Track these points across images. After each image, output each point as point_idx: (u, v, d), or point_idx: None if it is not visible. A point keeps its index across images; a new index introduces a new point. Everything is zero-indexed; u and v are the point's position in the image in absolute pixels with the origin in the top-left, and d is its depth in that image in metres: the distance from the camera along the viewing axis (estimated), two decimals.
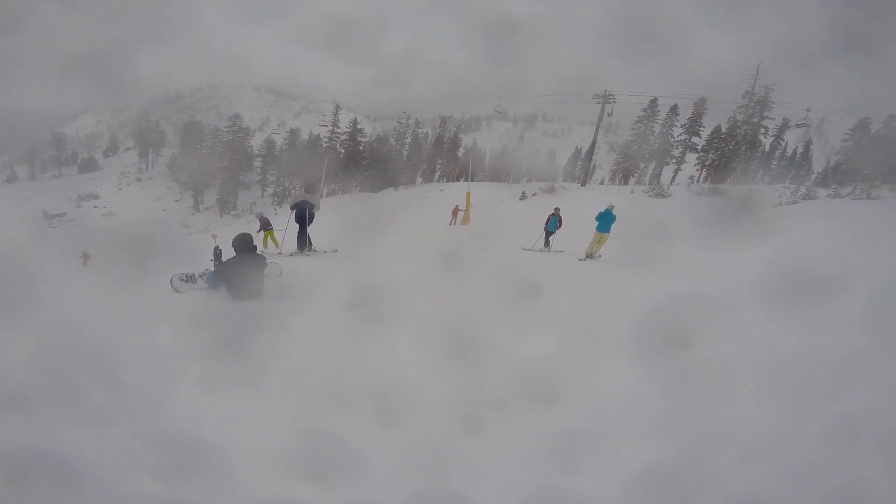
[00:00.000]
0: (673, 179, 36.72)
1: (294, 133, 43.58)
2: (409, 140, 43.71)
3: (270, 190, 41.96)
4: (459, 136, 48.46)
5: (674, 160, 37.97)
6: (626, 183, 39.11)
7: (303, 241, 8.47)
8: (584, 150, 53.72)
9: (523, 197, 32.70)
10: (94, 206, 45.19)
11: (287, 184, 41.74)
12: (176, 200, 43.17)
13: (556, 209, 13.68)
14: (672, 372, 4.31)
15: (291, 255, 8.40)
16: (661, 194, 30.51)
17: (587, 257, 11.31)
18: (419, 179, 43.58)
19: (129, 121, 65.29)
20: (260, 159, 42.92)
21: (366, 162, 40.69)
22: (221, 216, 39.86)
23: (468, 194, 22.82)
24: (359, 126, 41.58)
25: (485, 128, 63.90)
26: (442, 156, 45.71)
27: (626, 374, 4.37)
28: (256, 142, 44.10)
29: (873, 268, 7.45)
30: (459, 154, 47.37)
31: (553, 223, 13.45)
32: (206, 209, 41.36)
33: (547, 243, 13.48)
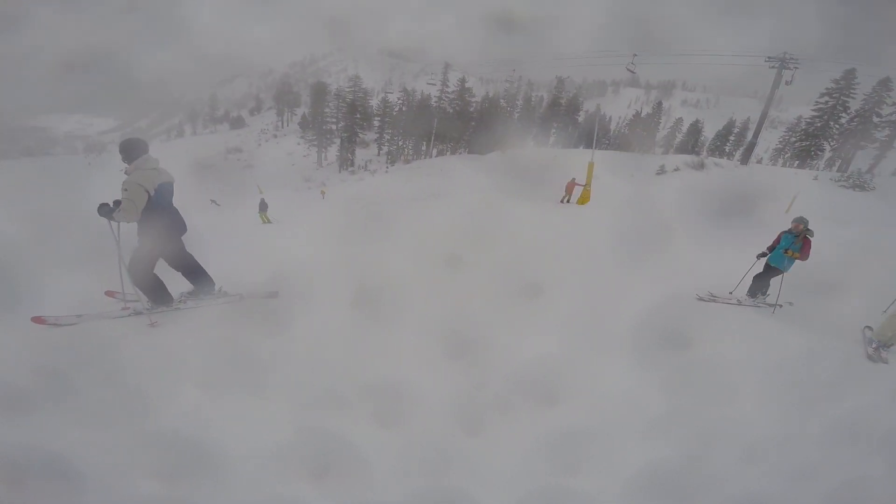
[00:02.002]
0: (872, 167, 30.00)
1: (407, 93, 44.26)
2: (519, 102, 41.82)
3: (385, 148, 43.50)
4: (580, 99, 45.17)
5: (875, 145, 30.90)
6: (802, 166, 32.98)
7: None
8: (738, 123, 46.75)
9: (661, 171, 27.69)
10: (238, 159, 50.82)
11: (401, 143, 42.87)
12: (304, 156, 46.84)
13: (799, 223, 6.22)
14: None
15: None
16: (861, 185, 23.54)
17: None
18: (531, 144, 41.77)
19: (273, 83, 72.48)
20: (377, 119, 44.53)
21: (474, 123, 39.93)
22: (339, 172, 42.44)
23: (591, 165, 18.21)
24: (467, 85, 40.75)
25: (611, 94, 58.75)
26: (557, 119, 43.17)
27: None
28: (376, 102, 45.74)
29: None
30: (579, 118, 44.35)
31: (784, 248, 6.31)
32: (327, 164, 44.34)
33: (759, 291, 6.62)
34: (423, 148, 42.01)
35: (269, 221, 14.95)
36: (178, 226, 4.34)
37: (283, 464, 3.11)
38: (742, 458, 3.60)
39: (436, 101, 41.54)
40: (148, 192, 4.02)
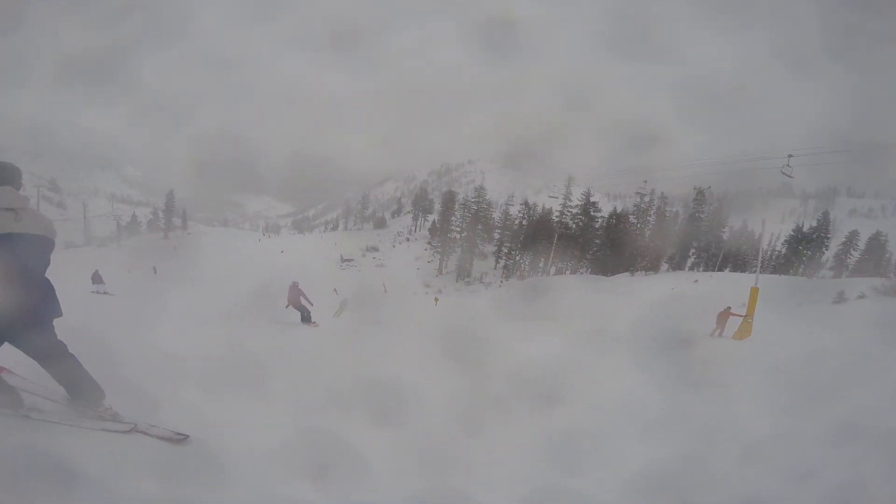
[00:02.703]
0: None
1: (528, 206, 44.44)
2: (651, 217, 38.72)
3: (503, 262, 43.44)
4: (724, 214, 40.20)
5: None
6: None
7: None
8: None
9: (840, 299, 21.93)
10: (373, 257, 55.39)
11: (518, 257, 42.46)
12: (428, 261, 49.22)
13: None
14: None
15: None
16: None
17: None
18: (664, 266, 37.75)
19: (414, 189, 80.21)
20: (497, 231, 45.23)
21: (599, 240, 37.82)
22: (456, 281, 43.23)
23: (754, 291, 15.85)
24: (592, 199, 39.30)
25: (759, 206, 51.50)
26: (699, 237, 38.73)
27: None
28: (498, 214, 46.85)
29: None
30: (724, 235, 39.26)
31: None
32: (447, 273, 45.69)
33: None
34: (541, 264, 40.88)
35: (340, 315, 15.81)
36: (33, 302, 2.89)
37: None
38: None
39: (557, 216, 40.84)
40: None
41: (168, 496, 2.69)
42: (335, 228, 78.29)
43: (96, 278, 18.62)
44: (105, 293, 17.01)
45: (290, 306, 11.70)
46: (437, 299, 30.70)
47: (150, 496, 2.66)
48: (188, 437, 3.24)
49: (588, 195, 40.80)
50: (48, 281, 3.11)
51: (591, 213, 39.85)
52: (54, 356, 3.10)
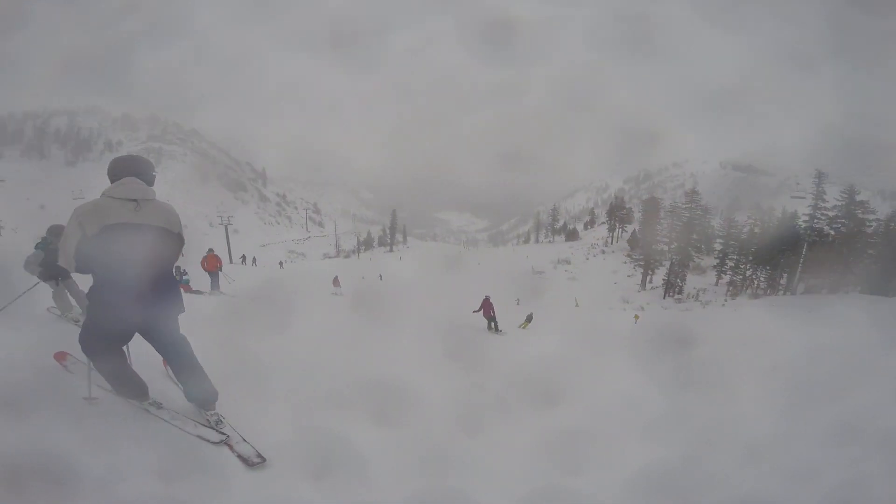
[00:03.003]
0: None
1: (761, 212, 36.58)
2: None
3: (727, 277, 36.69)
4: None
5: None
6: None
7: None
8: None
9: None
10: (565, 270, 53.66)
11: (749, 272, 35.22)
12: (628, 276, 45.13)
13: None
14: None
15: None
16: None
17: None
18: None
19: (608, 199, 75.53)
20: (720, 242, 38.59)
21: (873, 251, 28.73)
22: (663, 297, 38.27)
23: None
24: (859, 198, 30.11)
25: None
26: None
27: None
28: (718, 222, 40.15)
29: None
30: None
31: None
32: (651, 288, 40.99)
33: None
34: (783, 280, 32.98)
35: (525, 327, 16.38)
36: (148, 297, 2.86)
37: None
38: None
39: (805, 221, 32.61)
40: (84, 230, 2.71)
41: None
42: (526, 241, 78.96)
43: (336, 283, 22.98)
44: (341, 295, 20.38)
45: (482, 313, 13.53)
46: (637, 317, 27.64)
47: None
48: (265, 461, 3.11)
49: (851, 192, 31.59)
50: (172, 275, 3.14)
51: (860, 216, 30.61)
52: (179, 351, 3.11)
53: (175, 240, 3.04)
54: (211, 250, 12.75)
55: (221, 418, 3.29)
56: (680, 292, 37.77)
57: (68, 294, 4.95)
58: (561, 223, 75.86)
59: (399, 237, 71.89)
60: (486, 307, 13.61)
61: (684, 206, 39.83)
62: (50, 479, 2.54)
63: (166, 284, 3.06)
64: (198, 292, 11.17)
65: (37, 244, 4.92)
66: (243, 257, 43.84)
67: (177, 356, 3.14)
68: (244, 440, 3.20)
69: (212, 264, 12.40)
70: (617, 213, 60.39)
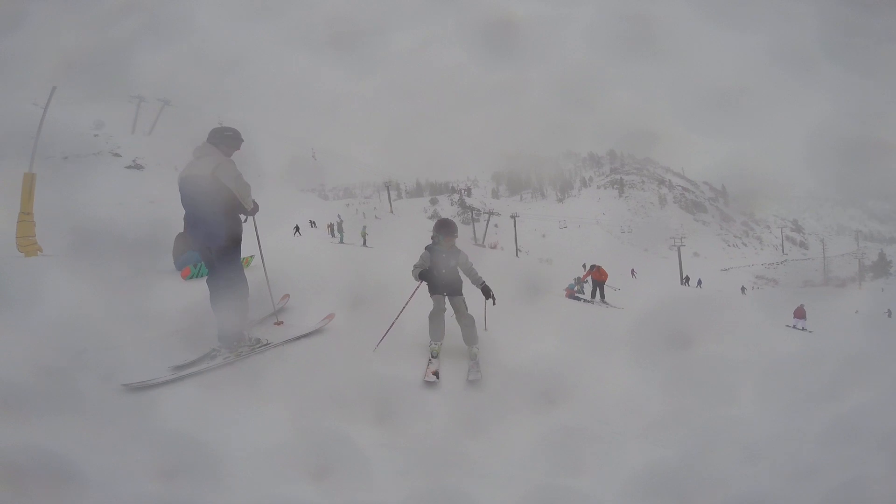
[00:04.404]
0: None
1: None
2: None
3: None
4: None
5: None
6: None
7: None
8: None
9: None
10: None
11: None
12: None
13: None
14: None
15: None
16: None
17: None
18: None
19: None
20: None
21: None
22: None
23: None
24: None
25: None
26: None
27: None
28: None
29: None
30: None
31: None
32: None
33: None
34: None
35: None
36: (213, 229, 3.80)
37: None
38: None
39: None
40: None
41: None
42: None
43: (799, 313, 16.60)
44: (802, 329, 14.79)
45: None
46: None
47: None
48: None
49: None
50: (226, 216, 3.73)
51: None
52: (235, 283, 3.74)
53: (211, 184, 3.68)
54: (597, 266, 14.67)
55: (258, 338, 4.10)
56: None
57: None
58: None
59: None
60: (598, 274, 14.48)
61: None
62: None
63: (228, 222, 3.82)
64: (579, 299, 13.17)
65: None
66: (687, 278, 36.20)
67: (233, 288, 3.90)
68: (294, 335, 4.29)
69: (599, 276, 14.45)
70: None
